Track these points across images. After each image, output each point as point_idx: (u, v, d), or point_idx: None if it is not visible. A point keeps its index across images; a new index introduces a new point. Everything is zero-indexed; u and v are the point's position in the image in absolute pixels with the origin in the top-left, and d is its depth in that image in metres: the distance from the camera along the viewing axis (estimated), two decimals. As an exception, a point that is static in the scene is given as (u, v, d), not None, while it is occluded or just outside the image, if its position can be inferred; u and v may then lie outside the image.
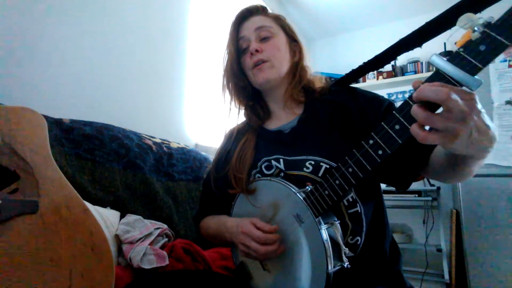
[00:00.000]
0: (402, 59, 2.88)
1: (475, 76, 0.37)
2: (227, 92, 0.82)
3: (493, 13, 0.39)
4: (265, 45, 0.75)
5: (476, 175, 1.94)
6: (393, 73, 2.87)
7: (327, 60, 3.34)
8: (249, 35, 0.77)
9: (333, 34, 3.32)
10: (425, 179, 2.46)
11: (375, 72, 2.93)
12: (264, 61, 0.74)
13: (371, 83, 2.94)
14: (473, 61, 0.37)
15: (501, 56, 1.94)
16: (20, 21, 0.99)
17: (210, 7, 1.91)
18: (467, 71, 0.37)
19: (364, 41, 3.11)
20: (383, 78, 2.90)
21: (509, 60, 1.92)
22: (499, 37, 0.35)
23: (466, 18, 0.38)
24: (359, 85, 2.96)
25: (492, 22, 0.36)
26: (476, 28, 0.37)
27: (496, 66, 1.94)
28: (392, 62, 2.91)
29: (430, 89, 0.38)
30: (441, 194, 2.37)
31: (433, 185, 2.39)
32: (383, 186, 0.77)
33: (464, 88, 0.38)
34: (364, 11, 2.89)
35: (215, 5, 1.96)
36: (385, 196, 2.43)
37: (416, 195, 2.42)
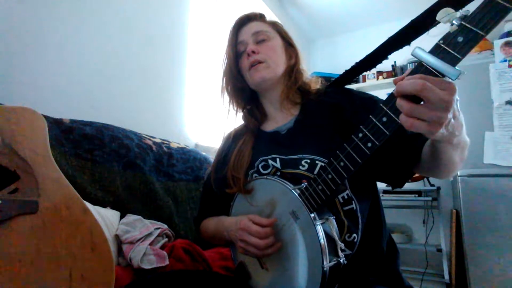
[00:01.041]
0: (402, 59, 2.88)
1: (455, 67, 0.39)
2: (225, 94, 0.84)
3: (470, 7, 0.41)
4: (261, 47, 0.77)
5: (476, 175, 1.92)
6: (393, 73, 2.88)
7: (327, 60, 3.34)
8: (247, 39, 0.79)
9: (333, 34, 3.32)
10: (425, 179, 2.46)
11: (375, 72, 2.93)
12: (260, 61, 0.76)
13: (371, 83, 2.94)
14: (452, 52, 0.39)
15: (501, 56, 1.94)
16: (20, 21, 0.99)
17: (210, 7, 1.91)
18: (447, 62, 0.39)
19: (364, 41, 3.11)
20: (383, 78, 2.90)
21: (509, 60, 1.92)
22: (474, 28, 0.37)
23: (444, 12, 0.40)
24: (360, 85, 2.96)
25: (468, 15, 0.38)
26: (454, 21, 0.39)
27: (496, 66, 1.94)
28: (392, 62, 2.91)
29: (407, 82, 0.40)
30: (441, 194, 2.37)
31: (433, 185, 2.39)
32: (383, 186, 0.78)
33: (445, 78, 0.40)
34: (364, 11, 2.89)
35: (215, 5, 1.96)
36: (385, 196, 2.43)
37: (416, 195, 2.41)
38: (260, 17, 0.83)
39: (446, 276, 2.13)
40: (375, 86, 2.94)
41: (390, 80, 2.84)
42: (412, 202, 2.59)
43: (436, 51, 0.40)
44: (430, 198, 2.39)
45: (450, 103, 0.39)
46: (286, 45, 0.82)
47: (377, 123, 0.46)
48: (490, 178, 1.87)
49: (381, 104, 0.45)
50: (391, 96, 0.44)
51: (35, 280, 0.53)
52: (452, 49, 0.39)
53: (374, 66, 0.66)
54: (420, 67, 0.42)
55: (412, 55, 0.42)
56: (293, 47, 0.82)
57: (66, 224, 0.59)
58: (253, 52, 0.76)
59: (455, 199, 2.32)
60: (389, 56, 0.65)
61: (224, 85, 0.84)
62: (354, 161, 0.50)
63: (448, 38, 0.39)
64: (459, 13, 0.38)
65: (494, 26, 0.36)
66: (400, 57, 2.82)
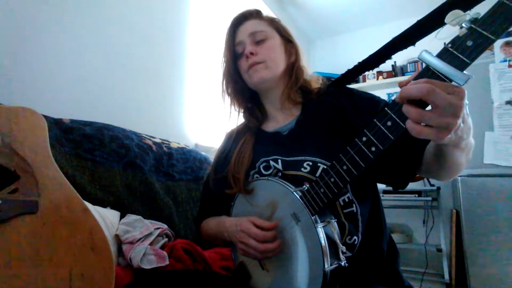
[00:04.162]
0: (402, 59, 2.88)
1: (464, 71, 0.38)
2: (226, 96, 0.83)
3: (480, 9, 0.39)
4: (259, 47, 0.76)
5: (476, 175, 1.92)
6: (393, 73, 2.87)
7: (327, 60, 3.34)
8: (245, 39, 0.77)
9: (333, 34, 3.32)
10: (425, 179, 2.46)
11: (375, 72, 2.93)
12: (259, 62, 0.75)
13: (371, 83, 2.94)
14: (460, 56, 0.38)
15: (501, 56, 1.94)
16: (20, 21, 0.99)
17: (210, 7, 1.91)
18: (455, 66, 0.38)
19: (364, 41, 3.11)
20: (383, 78, 2.89)
21: (509, 60, 1.92)
22: (485, 33, 0.36)
23: (453, 15, 0.38)
24: (360, 85, 2.96)
25: (478, 18, 0.37)
26: (463, 24, 0.38)
27: (496, 66, 1.94)
28: (392, 62, 2.91)
29: (413, 87, 0.38)
30: (441, 194, 2.37)
31: (433, 185, 2.39)
32: (383, 186, 0.78)
33: (453, 83, 0.39)
34: (364, 11, 2.89)
35: (215, 5, 1.96)
36: (385, 196, 2.43)
37: (416, 195, 2.41)
38: (256, 14, 0.81)
39: (446, 276, 2.13)
40: (375, 86, 2.94)
41: (390, 80, 2.85)
42: (412, 202, 2.59)
43: (443, 55, 0.39)
44: (430, 198, 2.39)
45: (460, 107, 0.38)
46: (285, 42, 0.80)
47: (382, 127, 0.45)
48: (490, 178, 1.87)
49: (386, 108, 0.44)
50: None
51: (35, 280, 0.53)
52: (460, 53, 0.38)
53: (377, 65, 0.65)
54: (426, 71, 0.40)
55: (418, 58, 0.41)
56: (292, 43, 0.80)
57: (66, 224, 0.59)
58: (252, 53, 0.74)
59: (455, 199, 2.32)
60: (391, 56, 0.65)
61: (224, 87, 0.83)
62: (357, 165, 0.49)
63: (456, 42, 0.38)
64: (468, 16, 0.37)
65: (505, 31, 0.35)
66: (400, 57, 2.81)
